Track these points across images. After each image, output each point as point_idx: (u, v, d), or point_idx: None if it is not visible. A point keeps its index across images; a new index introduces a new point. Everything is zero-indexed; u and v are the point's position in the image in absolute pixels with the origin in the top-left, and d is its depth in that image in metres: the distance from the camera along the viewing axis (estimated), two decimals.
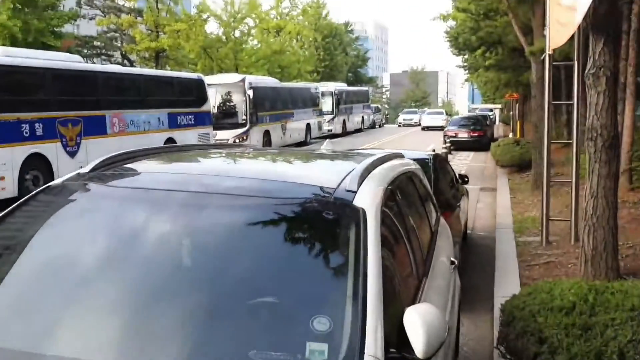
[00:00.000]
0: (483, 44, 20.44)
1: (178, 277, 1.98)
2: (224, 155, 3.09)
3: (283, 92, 24.44)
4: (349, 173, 2.39)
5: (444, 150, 18.95)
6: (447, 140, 21.48)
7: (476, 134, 23.37)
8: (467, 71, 33.73)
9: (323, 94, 30.84)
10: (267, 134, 21.85)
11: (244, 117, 20.22)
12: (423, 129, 39.66)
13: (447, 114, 50.03)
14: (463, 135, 23.44)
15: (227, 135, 19.69)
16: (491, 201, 11.51)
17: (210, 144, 3.53)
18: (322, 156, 3.33)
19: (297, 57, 39.16)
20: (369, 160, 2.62)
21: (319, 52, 49.83)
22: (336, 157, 3.33)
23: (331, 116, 31.51)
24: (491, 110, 47.92)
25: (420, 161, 5.73)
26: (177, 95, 16.11)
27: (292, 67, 37.80)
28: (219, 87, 20.22)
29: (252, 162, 3.02)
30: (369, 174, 2.42)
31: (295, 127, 25.20)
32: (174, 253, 2.08)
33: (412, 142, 27.36)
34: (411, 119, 46.22)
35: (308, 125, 27.00)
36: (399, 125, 45.04)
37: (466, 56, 28.29)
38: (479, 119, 25.39)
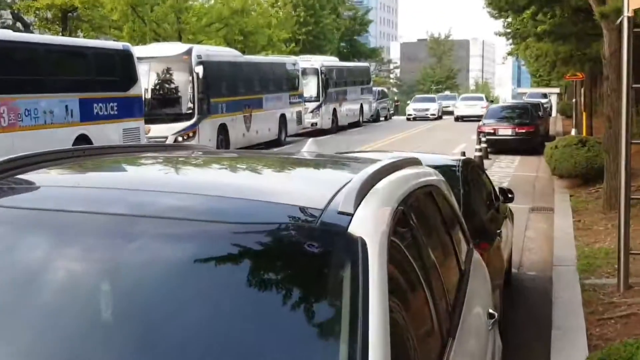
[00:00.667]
0: (534, 2, 20.68)
1: (95, 338, 1.96)
2: (161, 160, 3.09)
3: (247, 69, 24.56)
4: (342, 187, 2.40)
5: (479, 154, 19.16)
6: (483, 139, 21.68)
7: (524, 130, 23.63)
8: (510, 41, 34.04)
9: (305, 73, 31.00)
10: (223, 129, 21.91)
11: (190, 105, 20.26)
12: (457, 119, 43.50)
13: (487, 99, 51.31)
14: (505, 131, 23.68)
15: (165, 131, 19.70)
16: (546, 227, 11.60)
17: (141, 144, 3.54)
18: (304, 162, 3.35)
19: (266, 19, 39.39)
20: (372, 168, 2.63)
21: (298, 12, 50.16)
22: (324, 163, 3.35)
23: (316, 104, 31.74)
24: (545, 96, 48.46)
25: (445, 169, 5.71)
26: (93, 74, 16.09)
27: (260, 33, 37.98)
28: (155, 61, 20.25)
29: (202, 171, 3.03)
30: (371, 188, 2.44)
31: (265, 119, 25.32)
32: (89, 303, 2.06)
33: (435, 141, 27.54)
34: (426, 110, 46.22)
35: (283, 116, 27.14)
36: (409, 119, 45.22)
37: (509, 19, 28.57)
38: (527, 108, 25.68)
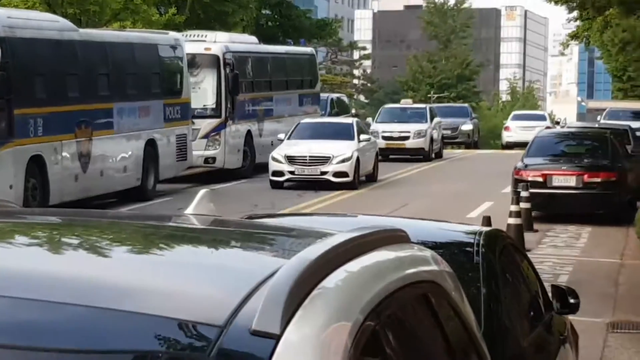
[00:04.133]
0: None
1: None
2: None
3: (84, 53, 24.45)
4: (258, 285, 2.43)
5: (515, 222, 19.22)
6: (525, 194, 21.85)
7: (598, 179, 23.94)
8: (575, 14, 34.68)
9: (194, 63, 31.27)
10: (38, 167, 21.71)
11: None
12: (505, 146, 51.06)
13: (552, 120, 57.67)
14: (565, 180, 23.97)
15: None
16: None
17: None
18: (188, 235, 3.38)
19: None
20: (316, 250, 2.64)
21: None
22: (226, 238, 3.38)
23: (215, 122, 32.09)
24: (639, 116, 49.35)
25: (452, 251, 5.79)
26: None
27: None
28: None
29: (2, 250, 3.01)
30: (313, 288, 2.45)
31: (117, 148, 25.18)
32: None
33: (437, 194, 27.63)
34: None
35: (152, 144, 27.07)
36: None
37: None
38: (606, 139, 26.04)
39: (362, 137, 33.77)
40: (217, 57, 32.04)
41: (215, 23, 48.12)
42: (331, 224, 6.44)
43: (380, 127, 44.48)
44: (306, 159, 31.79)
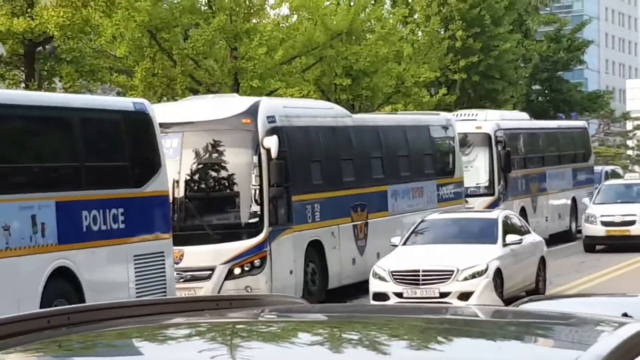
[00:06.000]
0: None
1: None
2: (204, 329, 3.19)
3: (357, 138, 24.65)
4: None
5: None
6: None
7: None
8: None
9: (466, 142, 31.51)
10: (316, 251, 22.23)
11: (256, 207, 20.38)
12: None
13: None
14: None
15: (211, 257, 19.94)
16: None
17: (166, 299, 3.62)
18: (471, 328, 3.39)
19: (394, 45, 39.65)
20: (608, 343, 2.63)
21: (452, 30, 50.15)
22: (511, 329, 3.37)
23: (489, 200, 31.91)
24: None
25: None
26: (83, 154, 16.44)
27: (384, 72, 38.22)
28: (192, 130, 20.80)
29: (282, 355, 3.05)
30: None
31: (390, 231, 25.03)
32: None
33: None
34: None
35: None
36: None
37: None
38: None
39: (510, 238, 23.77)
40: (489, 136, 32.08)
41: (485, 101, 48.05)
42: (613, 307, 6.30)
43: (598, 210, 36.13)
44: (418, 276, 22.31)
